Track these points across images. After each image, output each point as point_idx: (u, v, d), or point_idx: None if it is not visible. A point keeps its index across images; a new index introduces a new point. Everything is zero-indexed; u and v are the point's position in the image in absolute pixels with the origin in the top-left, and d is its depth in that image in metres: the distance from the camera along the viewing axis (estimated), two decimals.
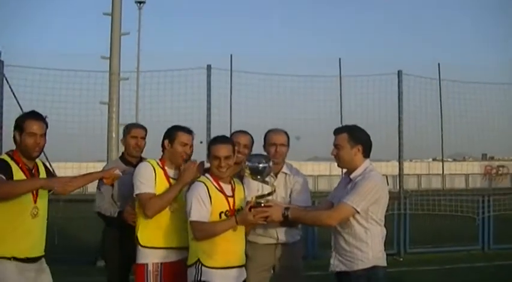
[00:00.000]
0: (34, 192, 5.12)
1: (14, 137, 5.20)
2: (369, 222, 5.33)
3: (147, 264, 5.57)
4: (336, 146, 5.47)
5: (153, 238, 5.60)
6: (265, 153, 6.06)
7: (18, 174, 5.07)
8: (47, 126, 5.30)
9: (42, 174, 5.38)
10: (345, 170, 5.74)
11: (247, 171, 5.43)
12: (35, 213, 5.18)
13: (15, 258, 5.02)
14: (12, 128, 5.20)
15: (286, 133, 6.44)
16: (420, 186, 38.44)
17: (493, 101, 26.97)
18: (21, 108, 13.34)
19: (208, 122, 13.42)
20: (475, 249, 14.32)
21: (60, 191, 4.94)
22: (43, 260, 5.32)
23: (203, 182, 5.40)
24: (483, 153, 49.62)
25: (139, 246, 5.62)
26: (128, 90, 15.39)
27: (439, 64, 27.98)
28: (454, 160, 47.47)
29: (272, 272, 6.25)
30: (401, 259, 13.38)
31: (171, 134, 5.80)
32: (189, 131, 5.87)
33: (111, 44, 13.41)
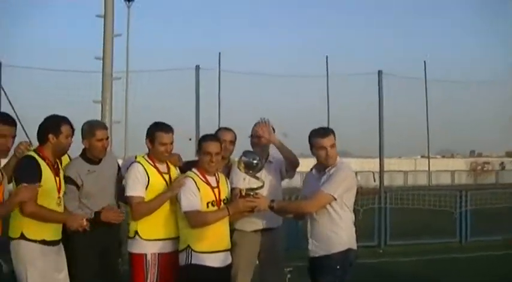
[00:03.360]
0: (58, 184, 5.78)
1: (47, 138, 5.78)
2: (343, 209, 5.97)
3: (145, 254, 5.96)
4: (331, 146, 6.01)
5: (152, 231, 6.00)
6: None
7: (46, 171, 5.67)
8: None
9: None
10: (312, 166, 6.37)
11: (242, 166, 6.08)
12: (59, 202, 5.80)
13: (41, 242, 5.61)
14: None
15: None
16: (406, 182, 38.86)
17: (481, 99, 27.56)
18: (12, 108, 13.86)
19: (197, 120, 13.95)
20: (453, 241, 14.84)
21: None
22: (61, 243, 5.87)
23: (191, 177, 5.94)
24: (471, 150, 50.26)
25: (138, 238, 5.98)
26: (122, 90, 15.95)
27: (424, 62, 28.45)
28: (443, 157, 48.00)
29: (258, 256, 6.80)
30: (381, 251, 13.83)
31: (151, 133, 6.13)
32: (167, 130, 6.14)
33: (104, 45, 13.81)
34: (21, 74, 15.03)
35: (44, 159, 5.72)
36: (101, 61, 13.84)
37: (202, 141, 6.07)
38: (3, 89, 14.39)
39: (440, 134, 31.47)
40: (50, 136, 5.77)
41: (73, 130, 5.98)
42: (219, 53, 22.55)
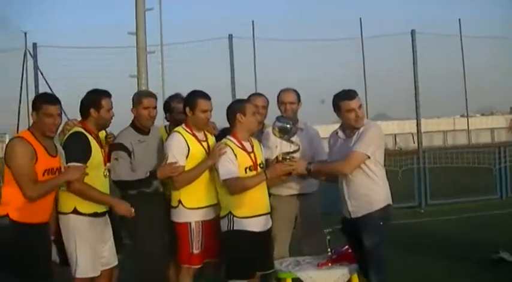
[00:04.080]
0: (104, 157, 5.97)
1: (89, 112, 5.91)
2: (377, 166, 6.02)
3: (190, 223, 6.11)
4: (359, 107, 6.03)
5: (194, 199, 6.13)
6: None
7: (94, 144, 5.83)
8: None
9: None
10: (337, 129, 6.37)
11: (276, 130, 6.17)
12: (106, 174, 5.99)
13: (92, 214, 5.80)
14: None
15: (295, 91, 7.05)
16: (446, 142, 38.56)
17: None
18: (50, 88, 14.11)
19: (233, 89, 14.10)
20: (493, 198, 14.88)
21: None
22: (107, 214, 6.04)
23: (227, 144, 6.04)
24: (511, 106, 49.53)
25: (182, 207, 6.12)
26: (156, 63, 16.08)
27: (459, 19, 28.28)
28: (482, 115, 47.45)
29: (294, 221, 6.91)
30: (422, 211, 13.92)
31: (191, 101, 6.18)
32: (208, 98, 6.24)
33: (136, 19, 13.95)
34: (57, 54, 15.20)
35: (90, 133, 5.87)
36: (134, 36, 14.01)
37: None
38: (39, 70, 14.62)
39: (479, 92, 31.24)
40: (92, 110, 5.89)
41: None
42: (252, 21, 22.63)
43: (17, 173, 5.25)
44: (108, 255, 6.04)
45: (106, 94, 6.03)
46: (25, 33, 27.07)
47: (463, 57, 28.63)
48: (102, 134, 6.25)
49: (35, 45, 14.05)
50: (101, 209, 5.88)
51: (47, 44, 14.95)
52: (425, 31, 16.27)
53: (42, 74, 14.59)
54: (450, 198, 14.68)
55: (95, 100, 5.93)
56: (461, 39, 27.32)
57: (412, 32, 14.98)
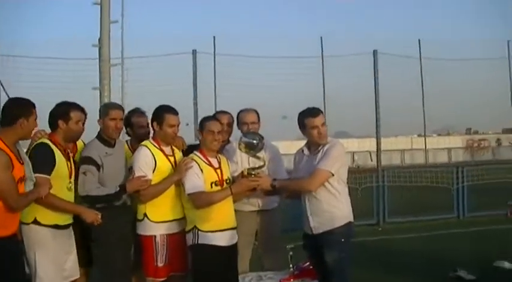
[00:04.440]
0: (69, 169, 5.90)
1: (57, 124, 5.88)
2: (340, 184, 6.17)
3: (155, 236, 6.13)
4: (322, 124, 6.17)
5: (160, 213, 6.16)
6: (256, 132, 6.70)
7: (58, 156, 5.78)
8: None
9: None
10: (303, 146, 6.50)
11: (243, 146, 6.20)
12: (70, 187, 5.93)
13: (53, 226, 5.74)
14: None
15: (255, 111, 7.15)
16: (404, 161, 39.01)
17: (476, 77, 27.72)
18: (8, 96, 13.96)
19: (195, 105, 14.10)
20: (451, 217, 15.07)
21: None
22: (71, 226, 6.00)
23: (194, 159, 6.11)
24: (467, 127, 50.35)
25: (147, 221, 6.14)
26: (118, 76, 16.10)
27: (419, 40, 28.65)
28: (439, 135, 48.08)
29: (255, 236, 7.00)
30: (380, 229, 14.06)
31: (159, 116, 6.23)
32: (175, 112, 6.30)
33: (100, 32, 13.96)
34: (20, 64, 15.09)
35: (56, 145, 5.83)
36: (97, 48, 14.01)
37: (205, 121, 6.25)
38: None
39: (436, 113, 31.68)
40: (60, 122, 5.88)
41: (85, 115, 6.09)
42: (214, 37, 22.68)
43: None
44: (70, 268, 5.99)
45: (75, 106, 6.02)
46: None
47: (422, 77, 29.07)
48: (80, 145, 6.30)
49: None
50: (63, 221, 5.85)
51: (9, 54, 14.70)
52: (387, 51, 16.46)
53: (1, 83, 14.45)
54: (408, 217, 14.82)
55: (63, 112, 5.92)
56: (420, 61, 27.71)
57: (374, 52, 15.20)
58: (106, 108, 6.44)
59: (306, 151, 6.41)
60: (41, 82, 15.64)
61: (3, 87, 14.33)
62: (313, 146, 6.30)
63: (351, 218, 6.23)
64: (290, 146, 7.04)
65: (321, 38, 26.78)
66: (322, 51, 26.39)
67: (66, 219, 5.89)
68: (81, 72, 16.00)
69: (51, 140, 5.85)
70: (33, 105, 5.44)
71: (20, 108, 5.35)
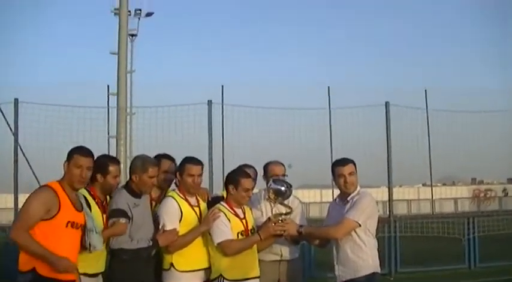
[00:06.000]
0: (104, 222, 6.02)
1: (95, 177, 5.95)
2: (367, 234, 6.36)
3: None
4: (350, 173, 6.44)
5: (186, 262, 6.25)
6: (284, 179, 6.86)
7: (95, 210, 5.92)
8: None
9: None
10: (336, 196, 6.80)
11: (271, 192, 6.44)
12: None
13: (83, 274, 5.71)
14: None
15: (282, 163, 7.33)
16: (410, 211, 38.94)
17: (482, 128, 27.83)
18: (20, 147, 14.17)
19: (210, 153, 14.28)
20: (462, 268, 15.04)
21: None
22: (100, 275, 6.08)
23: (220, 209, 6.28)
24: (472, 177, 50.35)
25: (174, 270, 6.21)
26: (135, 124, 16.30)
27: (425, 91, 28.87)
28: (444, 184, 48.11)
29: None
30: (392, 279, 14.07)
31: (181, 166, 6.43)
32: (197, 163, 6.45)
33: (118, 81, 14.21)
34: (37, 110, 15.30)
35: (93, 197, 5.99)
36: (115, 97, 14.25)
37: (238, 177, 6.40)
38: (10, 126, 14.64)
39: (442, 163, 31.72)
40: (98, 176, 6.00)
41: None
42: (222, 86, 22.95)
43: (22, 210, 5.31)
44: None
45: (114, 161, 6.23)
46: None
47: (429, 128, 29.19)
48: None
49: (16, 100, 14.11)
50: (91, 270, 5.89)
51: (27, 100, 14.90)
52: (395, 102, 16.60)
53: (11, 128, 14.63)
54: (420, 267, 14.87)
55: (102, 165, 6.04)
56: (427, 111, 27.83)
57: (387, 104, 15.38)
58: (145, 165, 6.26)
59: (338, 200, 6.66)
60: (54, 129, 15.87)
61: (13, 133, 14.50)
62: (343, 195, 6.53)
63: (375, 269, 6.39)
64: (294, 193, 7.25)
65: (328, 88, 26.98)
66: (329, 101, 26.58)
67: (95, 267, 5.95)
68: (95, 120, 16.23)
69: (89, 192, 5.98)
70: (77, 152, 5.54)
71: (68, 153, 5.55)
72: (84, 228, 5.51)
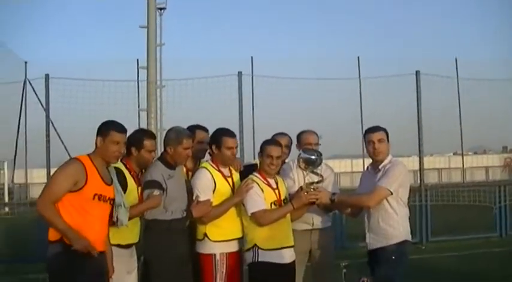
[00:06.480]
0: (139, 195, 6.12)
1: (130, 150, 6.07)
2: (398, 203, 6.40)
3: (214, 254, 6.27)
4: (379, 140, 6.48)
5: (220, 233, 6.31)
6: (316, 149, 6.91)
7: (130, 181, 6.04)
8: None
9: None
10: (368, 165, 6.87)
11: (301, 162, 6.49)
12: None
13: (116, 245, 5.86)
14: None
15: (315, 132, 7.35)
16: (441, 180, 38.73)
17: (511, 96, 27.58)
18: (50, 120, 14.35)
19: (241, 125, 14.33)
20: (493, 236, 15.10)
21: None
22: (134, 246, 6.20)
23: (253, 180, 6.34)
24: (504, 146, 49.86)
25: (207, 240, 6.28)
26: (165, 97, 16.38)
27: (456, 59, 28.70)
28: (475, 153, 47.70)
29: (308, 255, 7.12)
30: (423, 247, 14.07)
31: (218, 139, 6.39)
32: (233, 135, 6.49)
33: (147, 54, 14.30)
34: (68, 85, 15.43)
35: (129, 170, 6.10)
36: (145, 70, 14.37)
37: (265, 144, 6.44)
38: (40, 101, 14.82)
39: (472, 132, 31.56)
40: (133, 149, 6.10)
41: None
42: (251, 58, 23.00)
43: (49, 183, 5.43)
44: None
45: (149, 135, 6.30)
46: (25, 63, 27.38)
47: (459, 97, 28.99)
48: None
49: (47, 76, 14.22)
50: (125, 240, 6.01)
51: (58, 76, 15.02)
52: (426, 71, 16.50)
53: (42, 104, 14.81)
54: (451, 235, 14.95)
55: (137, 140, 6.14)
56: (457, 80, 27.64)
57: (417, 73, 15.28)
58: (179, 137, 6.29)
59: (370, 169, 6.71)
60: (84, 104, 16.01)
61: (44, 109, 14.65)
62: (375, 164, 6.58)
63: (406, 237, 6.44)
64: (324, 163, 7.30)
65: (358, 58, 26.94)
66: (359, 72, 26.54)
67: (128, 238, 6.05)
68: (126, 94, 16.33)
69: (125, 165, 6.08)
70: (113, 128, 5.52)
71: (99, 128, 5.53)
72: (113, 202, 5.56)
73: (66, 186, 5.26)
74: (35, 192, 27.25)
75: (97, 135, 5.52)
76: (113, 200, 5.55)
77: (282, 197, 6.44)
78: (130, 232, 6.03)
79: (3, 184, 27.50)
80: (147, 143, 6.16)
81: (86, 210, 5.33)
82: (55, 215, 5.20)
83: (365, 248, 6.66)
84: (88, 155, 5.50)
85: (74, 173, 5.31)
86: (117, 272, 5.85)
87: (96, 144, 5.50)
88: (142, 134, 6.27)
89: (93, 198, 5.35)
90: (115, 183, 5.64)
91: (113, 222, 5.63)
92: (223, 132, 6.48)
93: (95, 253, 5.28)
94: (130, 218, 5.76)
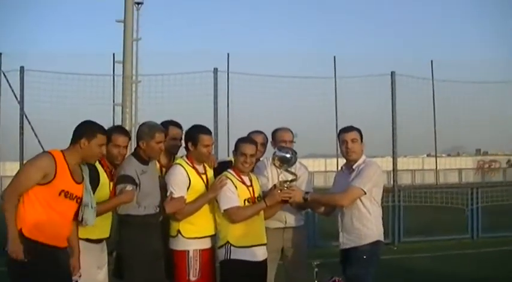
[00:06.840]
0: (111, 190, 6.11)
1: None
2: (372, 203, 6.43)
3: (188, 250, 6.28)
4: (353, 140, 6.51)
5: (193, 230, 6.32)
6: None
7: (103, 175, 6.02)
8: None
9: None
10: (342, 165, 6.90)
11: (277, 160, 6.43)
12: None
13: (85, 240, 5.86)
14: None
15: (290, 130, 7.35)
16: (414, 181, 38.97)
17: (486, 98, 27.73)
18: (25, 115, 14.19)
19: (215, 122, 14.24)
20: (465, 238, 15.14)
21: None
22: (105, 241, 6.20)
23: (228, 177, 6.32)
24: (477, 148, 50.33)
25: (181, 237, 6.29)
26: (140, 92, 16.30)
27: (432, 61, 28.78)
28: (449, 155, 48.05)
29: (281, 253, 7.13)
30: (395, 248, 14.11)
31: (194, 137, 6.38)
32: (209, 132, 6.50)
33: (124, 49, 14.22)
34: (43, 78, 15.28)
35: (102, 165, 6.08)
36: (121, 65, 14.28)
37: (240, 142, 6.42)
38: (14, 93, 14.65)
39: (447, 133, 31.72)
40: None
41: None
42: (228, 54, 22.91)
43: (18, 173, 5.42)
44: (103, 281, 6.19)
45: (119, 131, 6.29)
46: (0, 54, 27.04)
47: (434, 99, 29.11)
48: None
49: (22, 68, 14.06)
50: (94, 236, 5.98)
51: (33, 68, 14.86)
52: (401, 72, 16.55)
53: (16, 97, 14.64)
54: (423, 236, 15.00)
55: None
56: (432, 82, 27.72)
57: (392, 74, 15.31)
58: (152, 131, 6.29)
59: (344, 169, 6.72)
60: (59, 97, 15.87)
61: (17, 99, 14.50)
62: (349, 163, 6.60)
63: (379, 237, 6.47)
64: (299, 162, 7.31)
65: (334, 57, 26.93)
66: (335, 71, 26.55)
67: (98, 233, 6.03)
68: (101, 88, 16.17)
69: (99, 161, 6.02)
70: (99, 130, 5.56)
71: (84, 129, 5.52)
72: (80, 201, 5.53)
73: (35, 178, 5.25)
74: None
75: (80, 135, 5.49)
76: (81, 199, 5.51)
77: (256, 195, 6.43)
78: (100, 227, 6.01)
79: None
80: (114, 137, 6.08)
81: (50, 205, 5.32)
82: (11, 209, 5.21)
83: (338, 247, 6.70)
84: (62, 150, 5.47)
85: (45, 166, 5.29)
86: (87, 267, 5.85)
87: (79, 144, 5.46)
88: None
89: (59, 194, 5.35)
90: (85, 183, 5.60)
91: (78, 220, 5.61)
92: (199, 130, 6.47)
93: (23, 260, 5.20)
94: (102, 213, 5.78)
